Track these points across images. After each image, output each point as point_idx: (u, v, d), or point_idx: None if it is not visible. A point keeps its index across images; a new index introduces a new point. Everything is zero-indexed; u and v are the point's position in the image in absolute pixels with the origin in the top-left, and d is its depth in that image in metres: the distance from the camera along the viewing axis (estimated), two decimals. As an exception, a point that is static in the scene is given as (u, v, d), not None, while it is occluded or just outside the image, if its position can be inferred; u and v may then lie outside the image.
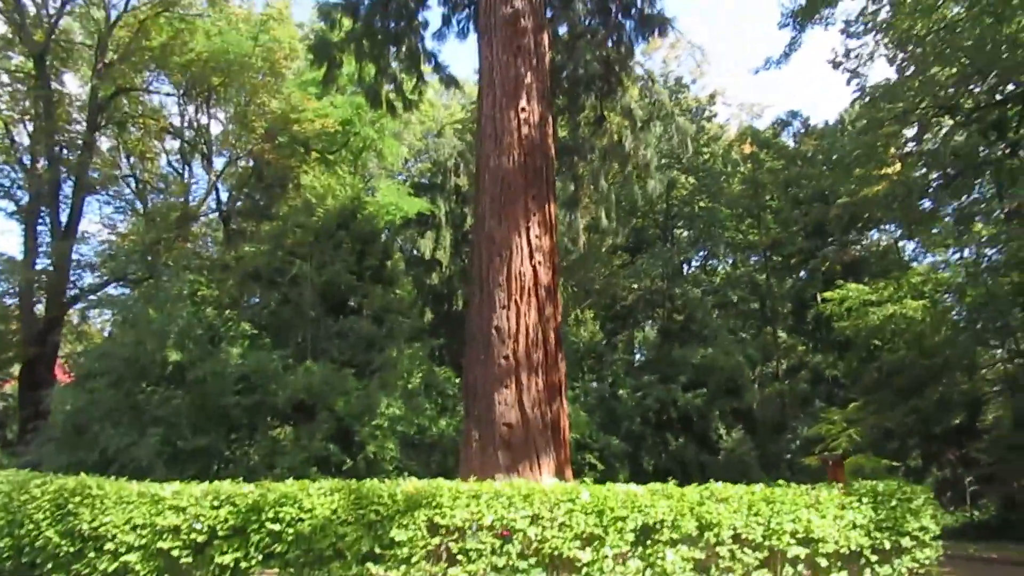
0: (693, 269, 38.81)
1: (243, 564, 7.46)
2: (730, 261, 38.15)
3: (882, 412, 20.03)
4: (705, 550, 7.92)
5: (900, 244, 36.35)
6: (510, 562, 7.45)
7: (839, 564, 8.31)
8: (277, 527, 7.40)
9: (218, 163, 31.03)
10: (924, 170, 27.04)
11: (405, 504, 7.51)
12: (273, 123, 25.20)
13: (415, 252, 35.27)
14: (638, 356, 36.89)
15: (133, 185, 30.70)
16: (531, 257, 13.16)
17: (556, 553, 7.56)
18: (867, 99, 25.27)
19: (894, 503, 8.59)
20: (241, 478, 8.21)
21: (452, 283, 36.72)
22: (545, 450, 12.50)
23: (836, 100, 68.13)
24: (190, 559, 7.56)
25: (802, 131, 36.41)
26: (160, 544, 7.61)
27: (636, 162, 16.93)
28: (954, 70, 23.87)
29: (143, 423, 16.20)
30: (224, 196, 32.55)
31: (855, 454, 19.52)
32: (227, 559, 7.43)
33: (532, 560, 7.50)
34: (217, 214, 32.39)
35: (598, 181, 17.42)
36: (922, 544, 8.57)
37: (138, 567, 7.59)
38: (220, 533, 7.53)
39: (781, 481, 8.82)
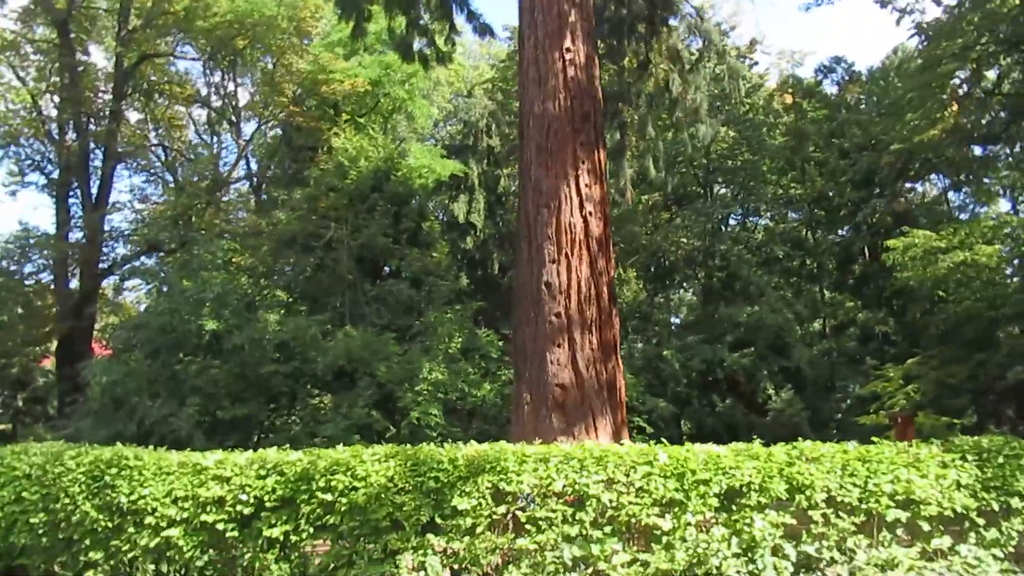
0: (733, 226, 37.63)
1: (293, 537, 6.89)
2: (772, 217, 36.85)
3: (946, 367, 18.99)
4: (796, 515, 7.20)
5: (949, 195, 34.97)
6: (583, 531, 6.78)
7: (942, 528, 7.55)
8: (329, 497, 6.80)
9: (247, 130, 30.53)
10: (973, 116, 25.69)
11: (467, 470, 6.86)
12: (301, 85, 24.48)
13: (448, 217, 34.57)
14: (674, 318, 36.03)
15: (162, 155, 30.25)
16: (581, 207, 12.39)
17: (633, 521, 6.87)
18: (923, 37, 23.95)
19: (1001, 460, 7.77)
20: (284, 447, 7.61)
21: (487, 247, 35.97)
22: (601, 412, 11.84)
23: (874, 49, 65.87)
24: (236, 533, 7.00)
25: (846, 79, 34.93)
26: (204, 517, 7.06)
27: (684, 107, 15.96)
28: (1017, 1, 22.46)
29: (181, 394, 15.80)
30: (254, 166, 32.13)
31: (914, 412, 18.58)
32: (276, 532, 6.86)
33: (607, 529, 6.83)
34: (248, 183, 31.96)
35: (645, 129, 16.49)
36: (1033, 504, 7.77)
37: (181, 542, 7.05)
38: (268, 504, 6.95)
39: (875, 438, 8.03)
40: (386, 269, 20.50)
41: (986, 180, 32.05)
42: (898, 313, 30.92)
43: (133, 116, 30.36)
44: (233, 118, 30.22)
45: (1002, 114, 26.14)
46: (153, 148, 30.26)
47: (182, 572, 7.22)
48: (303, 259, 20.37)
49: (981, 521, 7.56)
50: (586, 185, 12.50)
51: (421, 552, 6.70)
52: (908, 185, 30.61)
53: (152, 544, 7.10)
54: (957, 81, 25.33)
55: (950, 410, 20.93)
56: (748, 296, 28.94)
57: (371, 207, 21.42)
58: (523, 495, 6.87)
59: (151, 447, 7.99)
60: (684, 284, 36.57)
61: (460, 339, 19.07)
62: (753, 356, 26.43)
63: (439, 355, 17.98)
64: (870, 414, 22.63)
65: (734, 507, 7.08)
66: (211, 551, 7.08)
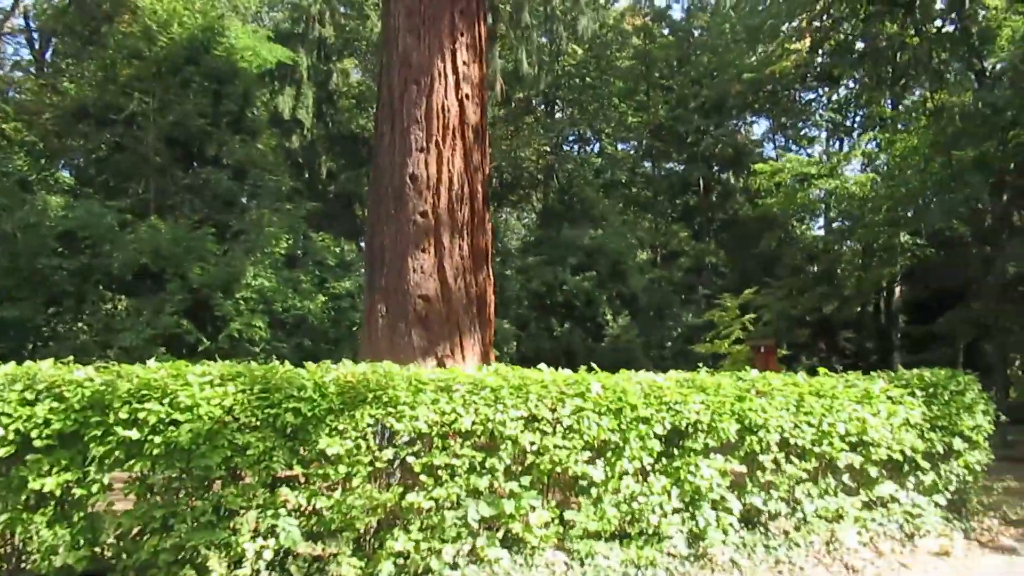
0: (568, 149, 36.57)
1: (77, 491, 4.71)
2: (617, 144, 36.15)
3: (792, 298, 18.91)
4: (745, 460, 5.92)
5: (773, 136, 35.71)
6: (495, 482, 5.11)
7: (885, 473, 6.59)
8: (135, 434, 4.65)
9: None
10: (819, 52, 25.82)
11: (341, 400, 4.94)
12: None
13: (272, 112, 31.07)
14: (509, 237, 34.81)
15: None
16: (457, 88, 10.39)
17: (558, 469, 5.30)
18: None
19: (947, 397, 6.90)
20: (68, 359, 5.29)
21: (315, 148, 32.97)
22: (469, 329, 10.15)
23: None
24: (-15, 484, 4.71)
25: (696, 5, 34.42)
26: (-68, 461, 4.70)
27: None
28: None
29: (-74, 288, 12.46)
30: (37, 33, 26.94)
31: (777, 342, 18.45)
32: (50, 483, 4.64)
33: (524, 480, 5.19)
34: (27, 48, 26.86)
35: (520, 15, 14.56)
36: (974, 445, 7.00)
37: None
38: (38, 443, 4.69)
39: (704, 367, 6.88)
40: (204, 155, 17.37)
41: (802, 124, 33.04)
42: (729, 245, 31.41)
43: None
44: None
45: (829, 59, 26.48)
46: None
47: (-103, 539, 4.86)
48: (98, 135, 16.82)
49: (926, 464, 6.66)
50: (463, 63, 10.51)
51: (271, 512, 4.76)
52: (758, 115, 30.50)
53: None
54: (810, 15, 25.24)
55: (788, 342, 21.25)
56: (591, 219, 28.14)
57: (185, 82, 18.12)
58: (381, 429, 5.06)
59: None
60: (522, 204, 35.42)
61: (290, 241, 16.64)
62: (594, 280, 25.75)
63: (265, 260, 15.51)
64: (706, 343, 22.64)
65: (676, 451, 5.67)
66: (-55, 510, 4.75)
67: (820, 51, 25.48)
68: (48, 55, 26.34)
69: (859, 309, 25.10)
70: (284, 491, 4.84)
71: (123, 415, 4.67)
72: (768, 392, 6.05)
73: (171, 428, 4.69)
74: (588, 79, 32.66)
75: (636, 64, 33.03)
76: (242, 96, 19.32)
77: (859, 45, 25.17)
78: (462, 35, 10.54)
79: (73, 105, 17.95)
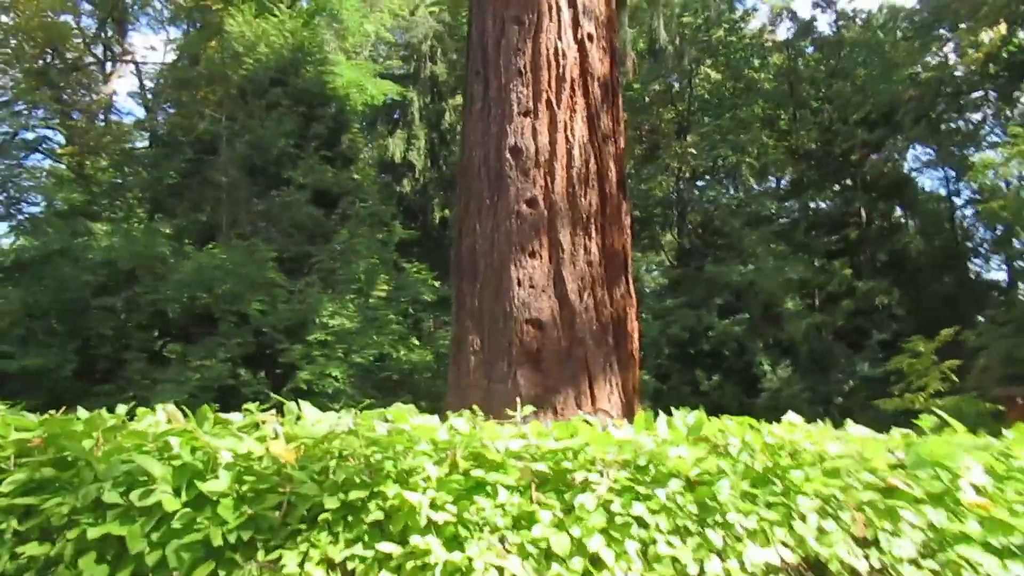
0: (704, 178, 32.59)
1: None
2: (757, 182, 32.10)
3: (1017, 338, 14.47)
4: None
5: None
6: None
7: None
8: None
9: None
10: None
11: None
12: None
13: (381, 156, 29.28)
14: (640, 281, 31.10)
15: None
16: (575, 26, 7.21)
17: None
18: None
19: None
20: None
21: (427, 192, 30.77)
22: (603, 369, 6.64)
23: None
24: None
25: (848, 18, 30.34)
26: None
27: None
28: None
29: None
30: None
31: (952, 395, 14.49)
32: None
33: None
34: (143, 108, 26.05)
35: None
36: None
37: None
38: None
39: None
40: (285, 178, 14.93)
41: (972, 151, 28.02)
42: (900, 285, 26.68)
43: None
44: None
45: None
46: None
47: None
48: (168, 163, 14.68)
49: None
50: (585, -8, 7.38)
51: None
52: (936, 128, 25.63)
53: None
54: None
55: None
56: (738, 254, 24.27)
57: (272, 104, 15.96)
58: None
59: None
60: (653, 248, 31.75)
61: (386, 280, 13.75)
62: (745, 325, 21.77)
63: (350, 295, 12.70)
64: (894, 397, 18.29)
65: None
66: None
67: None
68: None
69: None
70: None
71: None
72: None
73: None
74: (728, 102, 29.10)
75: (779, 84, 29.26)
76: (334, 118, 17.00)
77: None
78: (580, -46, 7.42)
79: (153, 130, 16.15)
